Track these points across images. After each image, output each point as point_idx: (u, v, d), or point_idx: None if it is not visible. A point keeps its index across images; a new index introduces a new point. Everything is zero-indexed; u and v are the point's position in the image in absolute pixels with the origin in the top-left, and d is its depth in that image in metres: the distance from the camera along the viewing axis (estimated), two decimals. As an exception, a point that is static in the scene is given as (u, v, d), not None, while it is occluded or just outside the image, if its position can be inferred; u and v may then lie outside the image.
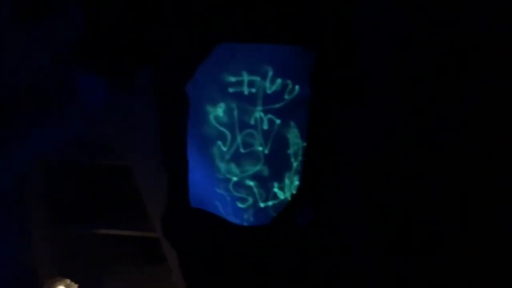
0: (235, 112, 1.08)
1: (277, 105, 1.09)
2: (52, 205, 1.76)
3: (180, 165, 1.12)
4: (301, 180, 1.13)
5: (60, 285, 1.75)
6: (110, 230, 1.81)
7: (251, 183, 1.10)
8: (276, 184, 1.11)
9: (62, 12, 1.15)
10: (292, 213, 1.12)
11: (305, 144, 1.12)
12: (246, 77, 1.07)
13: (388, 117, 1.08)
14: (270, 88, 1.08)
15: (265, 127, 1.09)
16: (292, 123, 1.10)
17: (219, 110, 1.08)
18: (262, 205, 1.11)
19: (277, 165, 1.11)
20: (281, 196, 1.12)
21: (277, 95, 1.08)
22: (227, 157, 1.09)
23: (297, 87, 1.09)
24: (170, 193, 1.19)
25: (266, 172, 1.10)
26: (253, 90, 1.07)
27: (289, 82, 1.09)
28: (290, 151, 1.11)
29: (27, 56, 1.41)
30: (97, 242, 1.84)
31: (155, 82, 1.16)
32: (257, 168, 1.10)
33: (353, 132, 1.08)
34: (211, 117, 1.09)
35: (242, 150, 1.09)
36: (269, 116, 1.09)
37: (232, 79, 1.06)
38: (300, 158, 1.12)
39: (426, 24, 1.06)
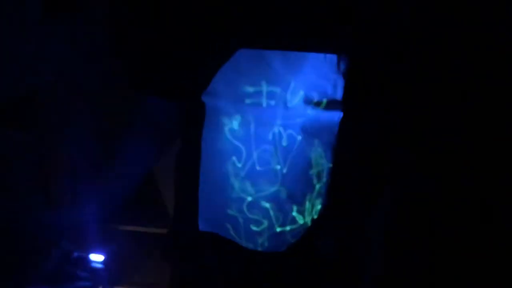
0: (252, 126, 0.97)
1: (299, 120, 0.96)
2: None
3: (190, 182, 1.02)
4: (324, 205, 1.01)
5: (80, 279, 1.74)
6: (131, 227, 1.78)
7: (267, 205, 0.99)
8: (295, 208, 0.99)
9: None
10: (312, 239, 1.01)
11: (331, 165, 0.99)
12: (265, 88, 0.95)
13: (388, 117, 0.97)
14: (291, 100, 0.95)
15: (284, 143, 0.97)
16: (316, 141, 0.98)
17: (235, 123, 0.97)
18: (278, 229, 1.00)
19: (296, 187, 0.99)
20: (301, 221, 1.00)
21: (299, 109, 0.96)
22: (242, 174, 0.99)
23: (324, 100, 0.96)
24: (177, 214, 1.11)
25: (283, 193, 0.98)
26: (273, 102, 0.95)
27: (314, 94, 0.96)
28: (313, 171, 0.98)
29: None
30: (118, 238, 1.81)
31: (172, 87, 1.06)
32: (274, 188, 0.98)
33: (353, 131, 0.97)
34: (226, 130, 0.98)
35: (258, 168, 0.98)
36: (289, 131, 0.97)
37: (250, 89, 0.95)
38: (324, 180, 1.00)
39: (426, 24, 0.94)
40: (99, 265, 1.06)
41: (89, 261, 1.04)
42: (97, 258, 1.05)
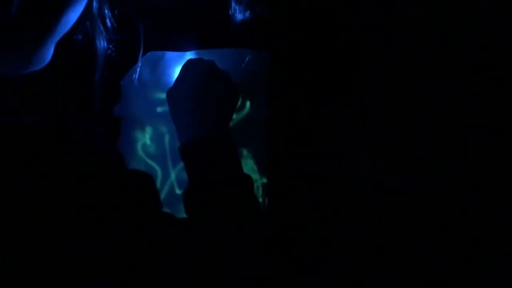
0: (166, 139, 0.80)
1: None
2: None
3: None
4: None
5: None
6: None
7: None
8: None
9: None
10: None
11: (265, 180, 0.81)
12: None
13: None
14: None
15: None
16: (245, 152, 0.80)
17: (147, 137, 0.81)
18: None
19: None
20: None
21: None
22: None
23: (247, 103, 0.80)
24: None
25: None
26: None
27: None
28: None
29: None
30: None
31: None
32: None
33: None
34: (139, 146, 0.82)
35: (178, 191, 0.80)
36: None
37: (162, 95, 0.80)
38: (260, 199, 0.81)
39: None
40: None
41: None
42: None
